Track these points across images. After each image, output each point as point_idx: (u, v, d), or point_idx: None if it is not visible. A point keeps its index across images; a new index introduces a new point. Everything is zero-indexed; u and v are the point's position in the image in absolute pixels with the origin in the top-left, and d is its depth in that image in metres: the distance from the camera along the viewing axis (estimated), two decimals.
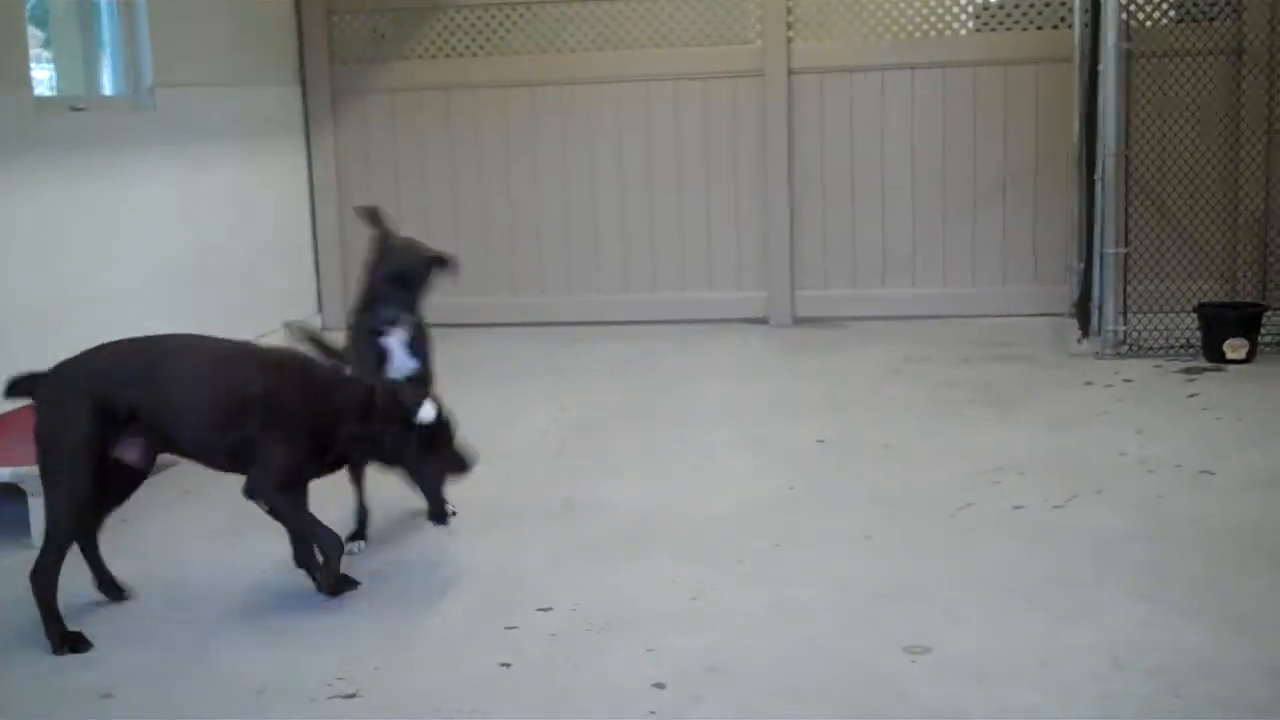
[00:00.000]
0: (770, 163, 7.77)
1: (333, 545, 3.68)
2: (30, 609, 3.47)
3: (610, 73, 7.89)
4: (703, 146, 7.90)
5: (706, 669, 3.20)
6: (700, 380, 6.42)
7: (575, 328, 7.85)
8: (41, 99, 5.80)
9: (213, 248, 7.03)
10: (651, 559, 3.99)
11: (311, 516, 3.66)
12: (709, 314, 7.93)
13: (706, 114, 7.87)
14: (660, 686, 3.11)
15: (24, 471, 4.19)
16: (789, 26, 7.65)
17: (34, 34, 5.98)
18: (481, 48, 7.97)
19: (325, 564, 3.71)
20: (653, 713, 2.99)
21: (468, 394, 6.21)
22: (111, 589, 3.76)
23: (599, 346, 7.33)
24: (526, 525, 4.36)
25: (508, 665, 3.26)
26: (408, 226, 8.13)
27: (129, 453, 3.54)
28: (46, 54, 6.45)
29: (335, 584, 3.71)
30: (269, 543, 4.10)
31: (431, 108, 8.08)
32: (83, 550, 3.71)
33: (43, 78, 6.18)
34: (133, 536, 4.18)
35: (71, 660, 3.35)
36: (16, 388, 3.57)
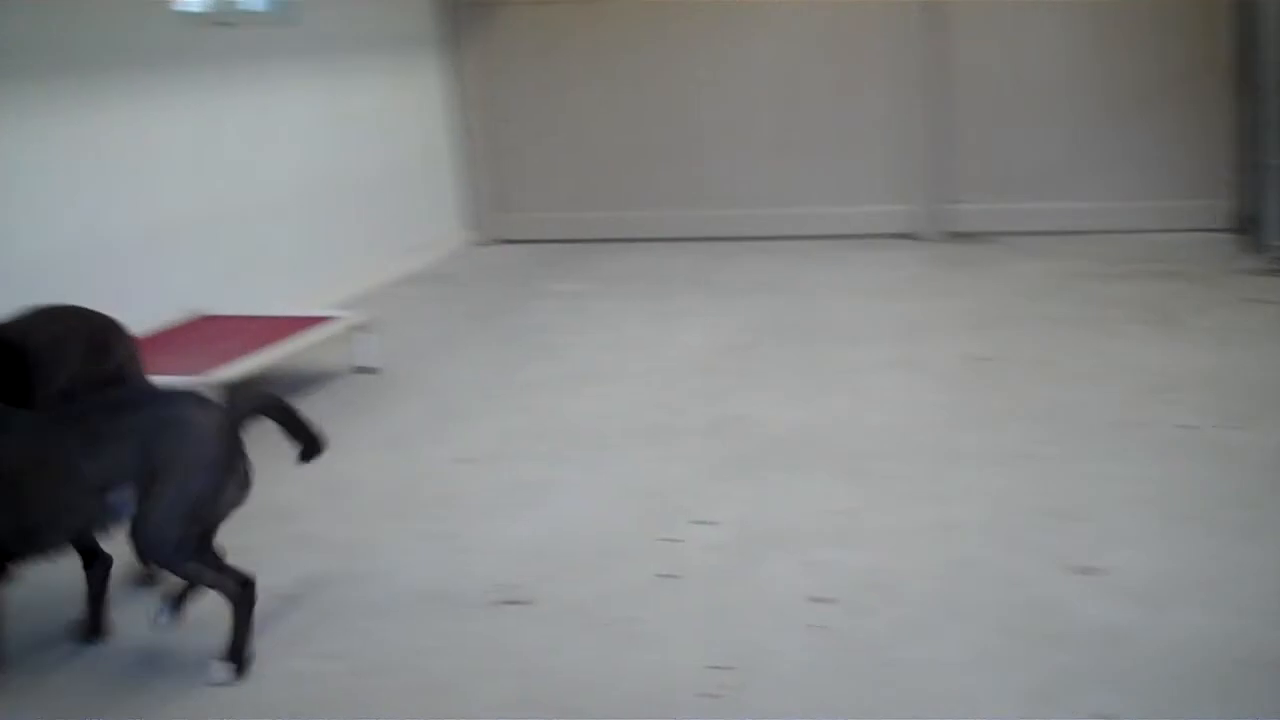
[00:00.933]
0: (920, 72, 7.61)
1: None
2: None
3: None
4: (853, 56, 7.74)
5: (866, 585, 3.20)
6: (851, 297, 6.37)
7: (724, 243, 7.82)
8: (190, 13, 5.90)
9: (355, 163, 7.13)
10: (807, 476, 3.99)
11: None
12: (858, 229, 7.83)
13: (856, 23, 7.71)
14: (819, 600, 3.13)
15: (199, 381, 4.33)
16: None
17: None
18: None
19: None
20: (811, 626, 3.01)
21: (619, 309, 6.29)
22: None
23: (748, 262, 7.30)
24: (680, 441, 4.38)
25: (668, 576, 3.30)
26: (551, 142, 8.22)
27: None
28: None
29: None
30: (436, 447, 4.20)
31: (576, 19, 8.04)
32: None
33: None
34: None
35: (249, 567, 3.46)
36: None
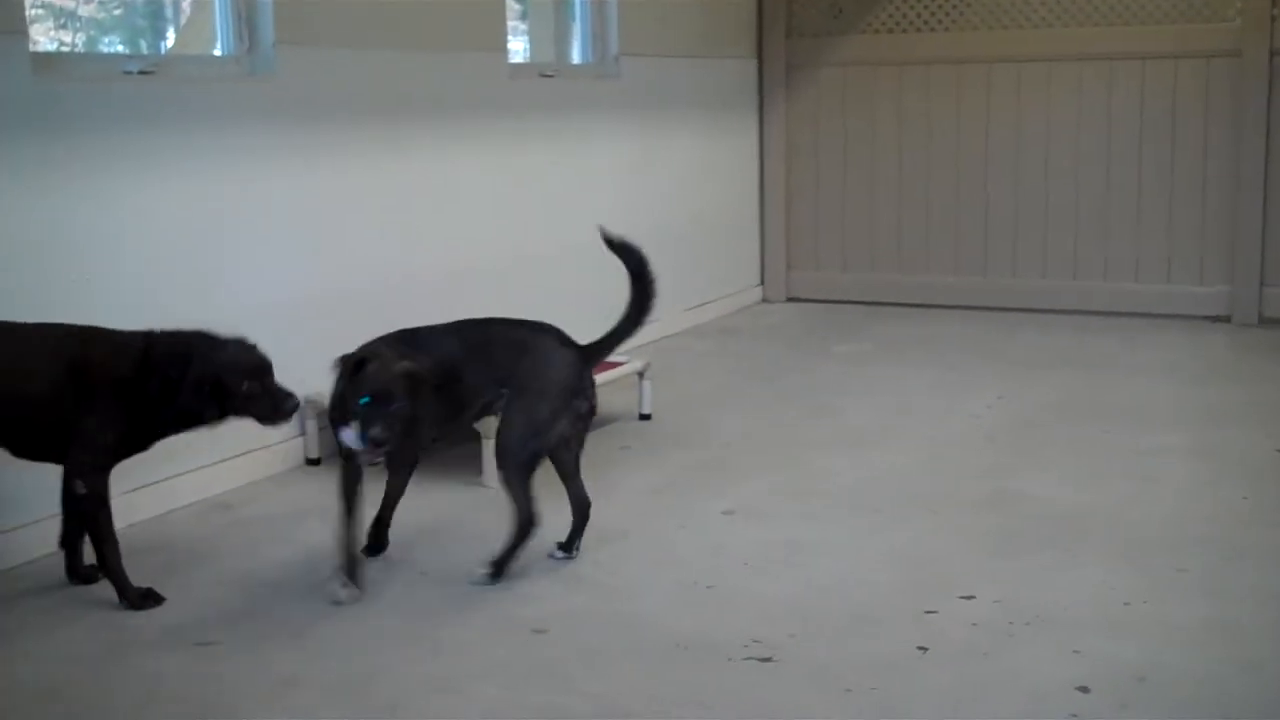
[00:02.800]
0: (1243, 149, 7.25)
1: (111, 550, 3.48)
2: (477, 543, 3.72)
3: (1069, 50, 7.58)
4: (1166, 130, 7.46)
5: (1135, 678, 3.04)
6: (1149, 378, 6.09)
7: (1016, 314, 7.62)
8: (515, 65, 6.17)
9: (663, 213, 7.27)
10: (1083, 559, 3.82)
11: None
12: (1161, 308, 7.50)
13: (1172, 94, 7.43)
14: (1084, 690, 2.98)
15: None
16: (1274, 3, 7.09)
17: (512, 7, 6.36)
18: (940, 22, 7.84)
19: (101, 566, 3.51)
20: (1074, 716, 2.87)
21: (901, 374, 6.20)
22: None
23: (1040, 335, 7.09)
24: (952, 512, 4.27)
25: (924, 649, 3.21)
26: (847, 203, 8.20)
27: None
28: (522, 26, 6.84)
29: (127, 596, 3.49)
30: (704, 498, 4.22)
31: (883, 83, 8.02)
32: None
33: (517, 48, 6.56)
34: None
35: (512, 595, 3.55)
36: None
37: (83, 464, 3.35)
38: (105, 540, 3.42)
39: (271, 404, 3.43)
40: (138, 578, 3.53)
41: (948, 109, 7.91)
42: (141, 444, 3.47)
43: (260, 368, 3.43)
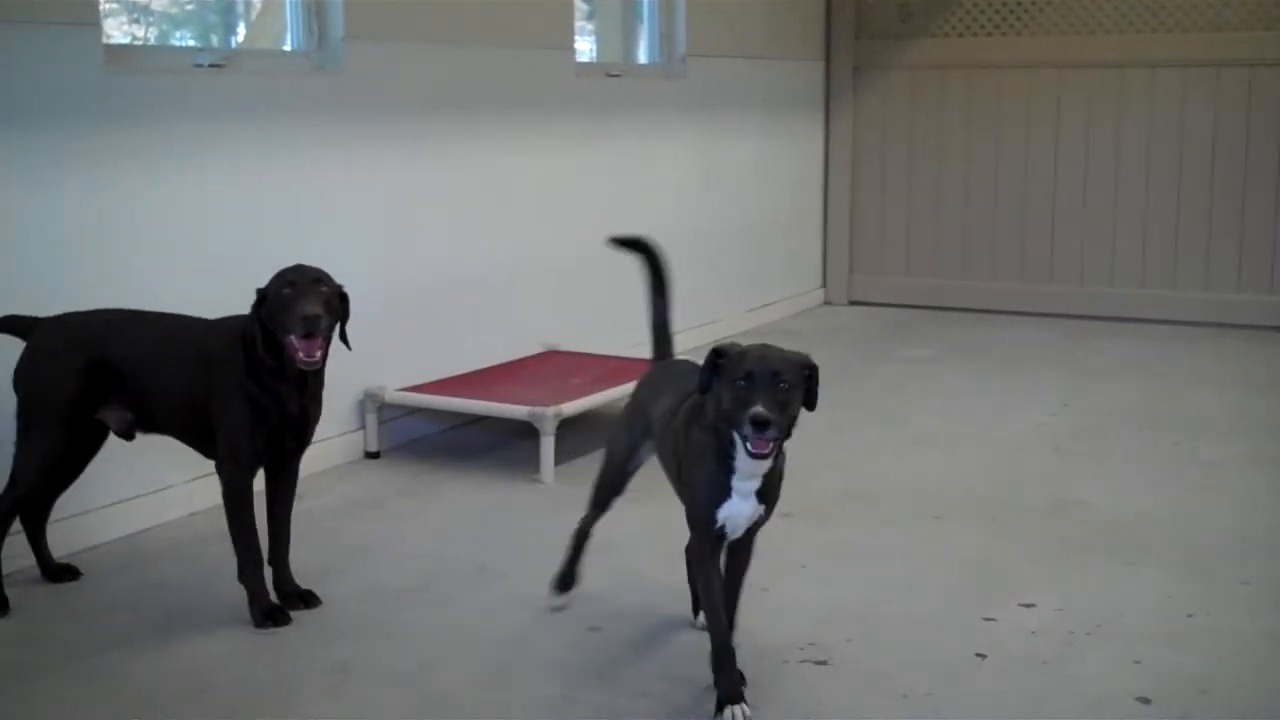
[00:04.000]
0: None
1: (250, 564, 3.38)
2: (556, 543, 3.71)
3: (1142, 56, 7.48)
4: (1239, 138, 7.35)
5: (1197, 690, 2.99)
6: (1216, 387, 6.00)
7: (1082, 321, 7.53)
8: (582, 64, 6.18)
9: (722, 216, 7.26)
10: (1146, 568, 3.77)
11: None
12: (1230, 317, 7.39)
13: (1247, 102, 7.31)
14: (1145, 701, 2.94)
15: (540, 411, 4.50)
16: None
17: (580, 6, 6.37)
18: (1011, 27, 7.76)
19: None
20: None
21: (965, 380, 6.15)
22: (61, 572, 3.63)
23: (1106, 343, 7.00)
24: (1014, 518, 4.22)
25: (983, 656, 3.18)
26: (912, 206, 8.14)
27: (114, 419, 3.41)
28: (590, 25, 6.86)
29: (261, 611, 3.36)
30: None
31: (952, 86, 7.96)
32: (29, 531, 3.57)
33: (584, 47, 6.57)
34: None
35: (580, 598, 3.55)
36: (5, 325, 3.41)
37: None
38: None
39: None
40: (202, 568, 3.56)
41: (1017, 114, 7.83)
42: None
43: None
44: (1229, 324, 7.35)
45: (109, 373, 3.34)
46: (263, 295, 3.25)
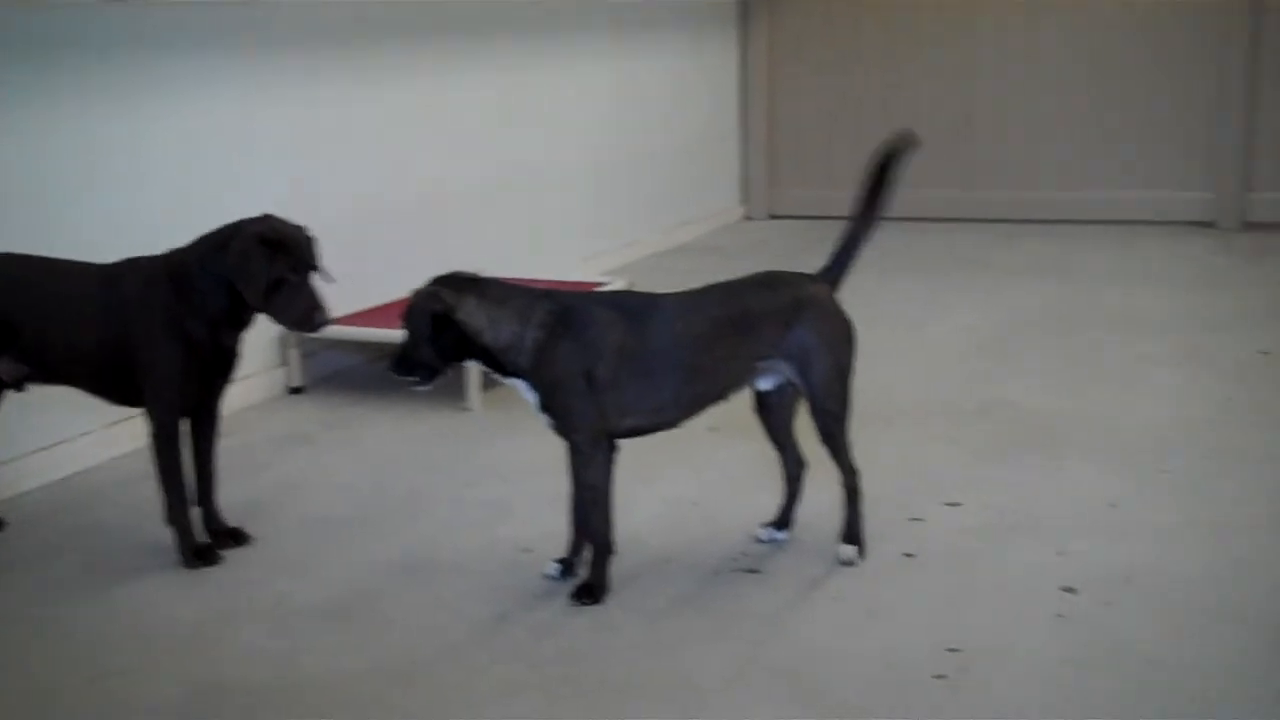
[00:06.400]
0: (1227, 54, 7.20)
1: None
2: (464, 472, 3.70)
3: None
4: (1150, 36, 7.41)
5: (1121, 578, 3.06)
6: (1135, 285, 6.09)
7: (1002, 225, 7.61)
8: None
9: (641, 135, 7.22)
10: (1068, 464, 3.84)
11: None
12: (1146, 215, 7.51)
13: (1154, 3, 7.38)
14: (1070, 590, 3.00)
15: None
16: None
17: None
18: None
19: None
20: (1060, 615, 2.88)
21: (888, 287, 6.19)
22: None
23: (1026, 245, 7.08)
24: (938, 421, 4.28)
25: (911, 556, 3.23)
26: (828, 119, 8.13)
27: (5, 371, 3.30)
28: None
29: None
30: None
31: None
32: None
33: None
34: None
35: (498, 515, 3.55)
36: None
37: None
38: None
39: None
40: (132, 511, 3.52)
41: (933, 20, 7.84)
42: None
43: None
44: (1147, 221, 7.45)
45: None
46: (219, 243, 3.14)
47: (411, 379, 2.97)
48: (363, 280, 5.04)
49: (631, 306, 3.02)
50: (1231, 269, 6.41)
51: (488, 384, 4.58)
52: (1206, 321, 5.37)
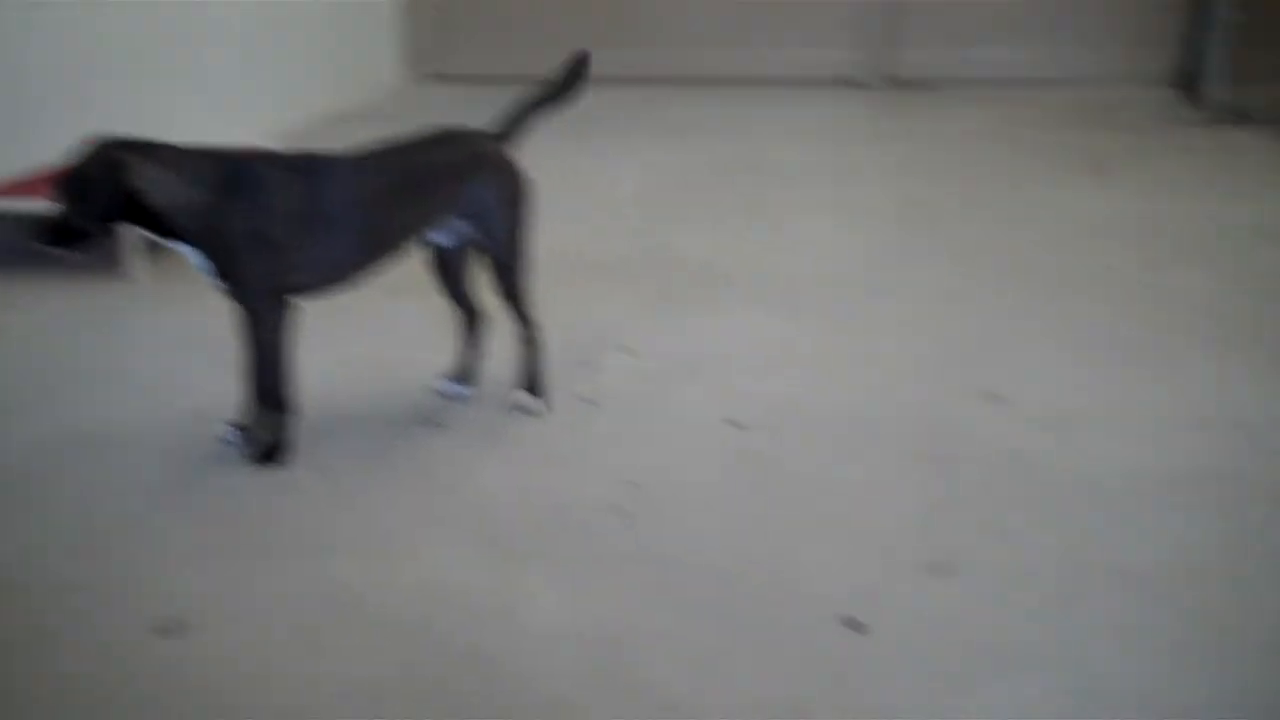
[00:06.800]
0: None
1: None
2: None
3: None
4: None
5: (784, 410, 3.25)
6: (789, 139, 6.35)
7: (663, 84, 7.75)
8: None
9: None
10: (734, 309, 4.02)
11: None
12: (801, 73, 7.79)
13: None
14: (735, 424, 3.17)
15: None
16: None
17: None
18: None
19: None
20: (726, 447, 3.05)
21: (553, 147, 6.22)
22: None
23: (687, 103, 7.25)
24: (609, 273, 4.39)
25: (589, 402, 3.33)
26: None
27: None
28: None
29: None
30: None
31: None
32: None
33: None
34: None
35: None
36: None
37: None
38: None
39: None
40: None
41: None
42: None
43: None
44: (802, 79, 7.72)
45: None
46: None
47: (64, 249, 2.82)
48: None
49: (306, 166, 2.96)
50: (877, 124, 6.76)
51: (152, 253, 4.41)
52: (854, 173, 5.67)
